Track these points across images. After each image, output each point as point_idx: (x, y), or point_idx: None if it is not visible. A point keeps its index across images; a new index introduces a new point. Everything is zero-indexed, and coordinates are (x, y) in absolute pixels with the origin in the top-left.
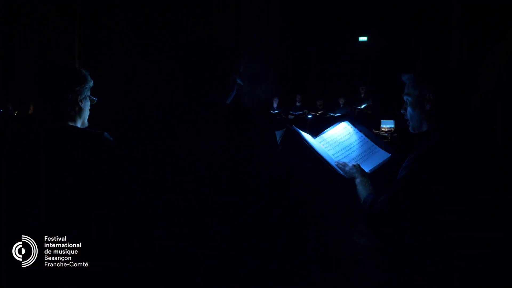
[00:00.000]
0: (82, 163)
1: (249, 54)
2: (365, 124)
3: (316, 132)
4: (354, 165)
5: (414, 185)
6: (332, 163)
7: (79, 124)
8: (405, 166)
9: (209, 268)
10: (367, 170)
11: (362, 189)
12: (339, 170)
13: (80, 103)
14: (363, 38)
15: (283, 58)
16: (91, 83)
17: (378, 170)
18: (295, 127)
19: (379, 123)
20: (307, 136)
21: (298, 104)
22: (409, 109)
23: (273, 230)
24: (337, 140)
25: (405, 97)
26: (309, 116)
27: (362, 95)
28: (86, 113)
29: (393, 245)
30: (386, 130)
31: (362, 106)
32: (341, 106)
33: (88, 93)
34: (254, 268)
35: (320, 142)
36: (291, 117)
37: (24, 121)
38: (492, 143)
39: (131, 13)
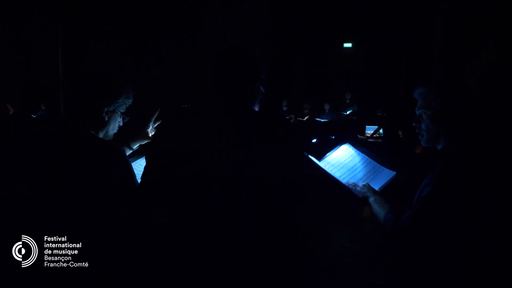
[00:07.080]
0: (85, 166)
1: None
2: (350, 129)
3: (319, 155)
4: (364, 185)
5: (439, 202)
6: (345, 183)
7: (100, 135)
8: (427, 184)
9: (207, 269)
10: (376, 188)
11: (379, 208)
12: (352, 190)
13: (104, 114)
14: (347, 45)
15: (268, 62)
16: (127, 101)
17: (385, 188)
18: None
19: (364, 129)
20: (314, 159)
21: (284, 108)
22: (427, 122)
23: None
24: (342, 162)
25: (421, 111)
26: (314, 140)
27: (347, 101)
28: (111, 127)
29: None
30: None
31: (347, 112)
32: (327, 111)
33: (121, 109)
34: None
35: (325, 165)
36: None
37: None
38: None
39: (117, 14)
